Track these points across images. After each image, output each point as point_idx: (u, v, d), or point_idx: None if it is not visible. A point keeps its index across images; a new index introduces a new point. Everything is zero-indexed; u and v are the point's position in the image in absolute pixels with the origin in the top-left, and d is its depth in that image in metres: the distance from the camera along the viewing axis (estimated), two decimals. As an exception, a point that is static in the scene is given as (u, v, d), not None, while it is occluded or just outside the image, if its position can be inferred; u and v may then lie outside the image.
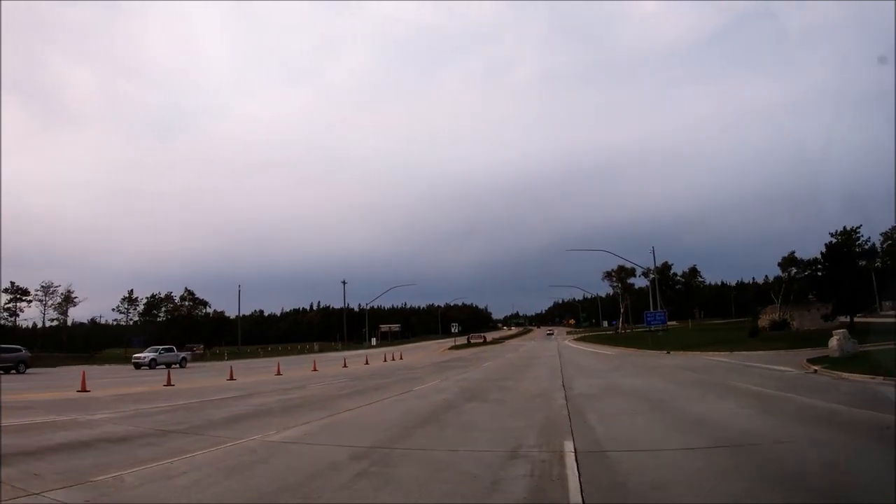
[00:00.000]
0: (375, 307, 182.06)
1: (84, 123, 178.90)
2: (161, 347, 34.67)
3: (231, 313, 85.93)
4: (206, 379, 21.50)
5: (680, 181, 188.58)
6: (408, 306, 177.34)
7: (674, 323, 70.43)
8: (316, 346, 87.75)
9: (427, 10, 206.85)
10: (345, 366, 28.11)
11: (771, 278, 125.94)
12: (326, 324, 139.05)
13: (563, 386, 13.54)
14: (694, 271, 65.17)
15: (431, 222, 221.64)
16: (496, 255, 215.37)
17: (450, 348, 51.40)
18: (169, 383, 17.16)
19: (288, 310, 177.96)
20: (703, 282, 63.11)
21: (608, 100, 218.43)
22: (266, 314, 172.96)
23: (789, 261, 42.52)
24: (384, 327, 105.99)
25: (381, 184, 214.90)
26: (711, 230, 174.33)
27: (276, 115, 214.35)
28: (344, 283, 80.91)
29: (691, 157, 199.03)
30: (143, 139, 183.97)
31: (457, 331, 50.49)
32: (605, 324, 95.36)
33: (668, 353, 28.74)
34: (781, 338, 31.35)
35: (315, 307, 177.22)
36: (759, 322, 48.11)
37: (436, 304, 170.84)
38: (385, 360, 33.48)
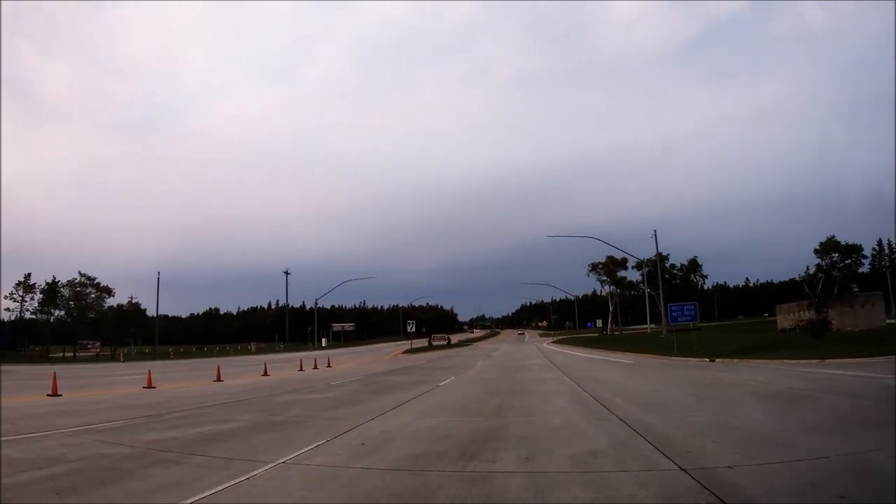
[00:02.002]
0: (337, 306, 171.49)
1: (59, 118, 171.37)
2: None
3: (195, 311, 72.77)
4: None
5: (656, 185, 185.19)
6: (368, 305, 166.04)
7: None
8: (253, 347, 76.62)
9: (405, 11, 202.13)
10: (218, 378, 17.60)
11: (759, 281, 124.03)
12: (281, 323, 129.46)
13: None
14: (694, 264, 56.25)
15: (403, 223, 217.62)
16: (464, 256, 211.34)
17: (405, 352, 41.24)
18: None
19: (245, 308, 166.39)
20: (706, 277, 55.42)
21: (584, 103, 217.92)
22: (222, 312, 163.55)
23: (829, 246, 34.35)
24: (337, 326, 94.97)
25: (355, 183, 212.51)
26: (688, 235, 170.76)
27: (252, 113, 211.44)
28: (287, 273, 69.36)
29: (664, 161, 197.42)
30: (118, 135, 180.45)
31: (413, 330, 40.25)
32: (573, 325, 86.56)
33: (713, 360, 19.79)
34: (850, 339, 22.94)
35: (273, 305, 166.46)
36: (779, 322, 39.93)
37: (400, 305, 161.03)
38: (301, 369, 23.30)
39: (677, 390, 11.27)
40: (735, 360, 19.64)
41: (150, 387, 14.74)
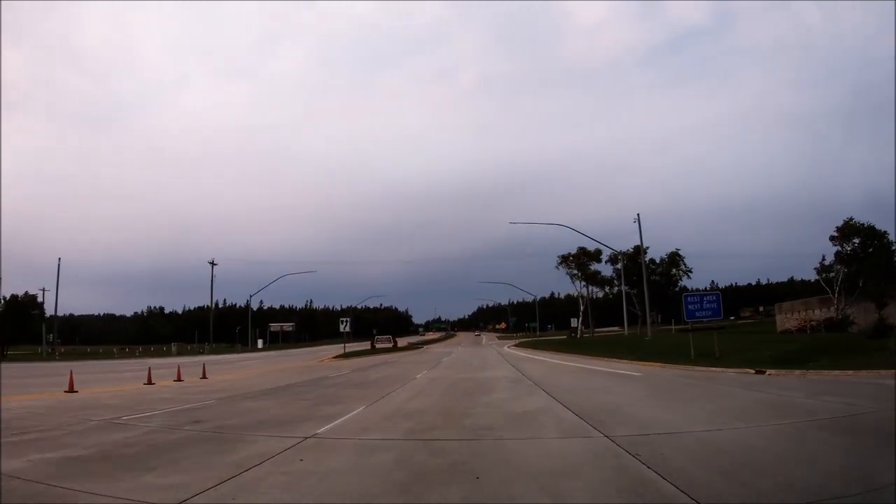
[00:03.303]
0: (286, 306, 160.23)
1: (13, 109, 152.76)
2: None
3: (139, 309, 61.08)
4: None
5: (617, 191, 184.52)
6: (315, 305, 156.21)
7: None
8: (174, 348, 66.48)
9: (372, 10, 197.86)
10: None
11: (716, 283, 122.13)
12: (224, 321, 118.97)
13: None
14: (675, 259, 49.52)
15: (362, 223, 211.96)
16: (423, 259, 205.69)
17: (336, 357, 33.11)
18: None
19: (192, 307, 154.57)
20: (690, 272, 49.15)
21: (548, 109, 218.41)
22: (167, 311, 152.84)
23: (850, 230, 28.76)
24: (275, 326, 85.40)
25: (314, 183, 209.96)
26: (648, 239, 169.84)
27: (214, 109, 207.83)
28: (212, 264, 59.48)
29: (626, 166, 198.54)
30: (75, 128, 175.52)
31: (347, 329, 32.35)
32: (536, 326, 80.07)
33: (762, 372, 13.28)
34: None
35: (222, 304, 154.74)
36: (780, 323, 34.45)
37: (350, 305, 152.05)
38: (150, 382, 15.11)
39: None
40: (797, 372, 13.08)
41: None
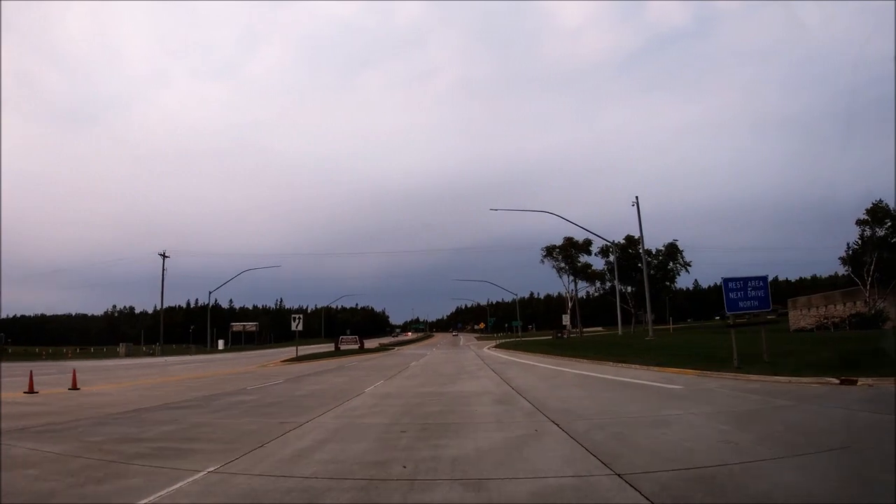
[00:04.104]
0: (259, 306, 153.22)
1: None
2: None
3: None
4: None
5: (601, 193, 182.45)
6: (286, 306, 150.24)
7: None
8: (122, 349, 60.55)
9: (352, 10, 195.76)
10: None
11: (698, 284, 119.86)
12: (193, 322, 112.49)
13: None
14: (673, 249, 43.39)
15: (342, 223, 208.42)
16: (399, 260, 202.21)
17: (285, 361, 28.08)
18: None
19: (167, 306, 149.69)
20: (689, 266, 44.09)
21: (528, 111, 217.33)
22: (137, 311, 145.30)
23: (881, 213, 24.97)
24: (237, 326, 79.54)
25: (293, 183, 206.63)
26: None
27: (193, 108, 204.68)
28: (163, 256, 53.41)
29: (603, 169, 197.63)
30: (50, 125, 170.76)
31: (300, 328, 27.41)
32: (518, 325, 75.39)
33: (850, 381, 9.02)
34: None
35: (193, 304, 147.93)
36: (793, 320, 30.70)
37: (328, 306, 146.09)
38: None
39: None
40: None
41: None
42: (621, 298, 38.19)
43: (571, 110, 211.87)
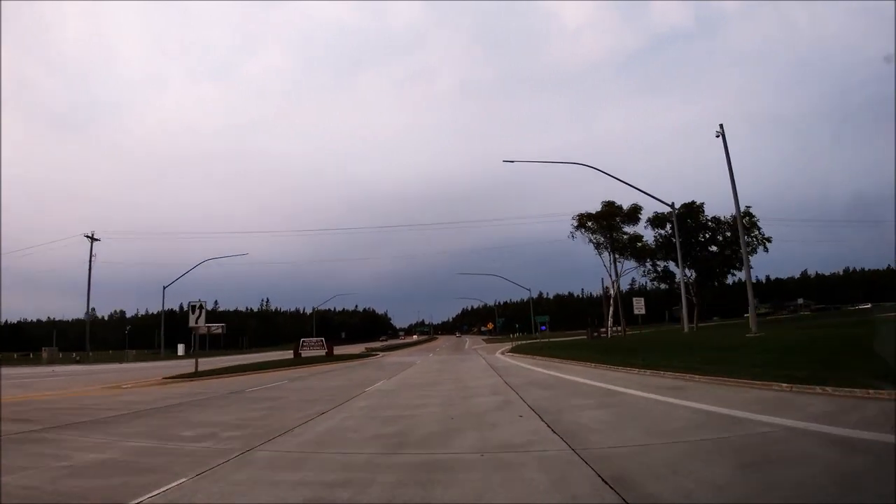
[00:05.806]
0: (247, 309, 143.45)
1: None
2: None
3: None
4: None
5: (598, 194, 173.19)
6: (272, 307, 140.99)
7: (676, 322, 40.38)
8: (45, 354, 51.44)
9: (348, 12, 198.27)
10: None
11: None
12: (173, 326, 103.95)
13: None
14: (749, 219, 31.04)
15: (343, 226, 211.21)
16: (404, 262, 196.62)
17: (168, 378, 17.44)
18: None
19: (154, 311, 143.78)
20: (769, 241, 32.39)
21: (527, 112, 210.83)
22: (111, 314, 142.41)
23: None
24: (202, 329, 68.39)
25: (294, 186, 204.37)
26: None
27: (189, 111, 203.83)
28: (91, 238, 43.12)
29: (610, 168, 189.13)
30: (44, 128, 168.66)
31: (222, 332, 17.19)
32: (545, 325, 63.36)
33: None
34: None
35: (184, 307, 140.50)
36: None
37: (318, 307, 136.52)
38: None
39: None
40: None
41: None
42: (677, 287, 27.37)
43: (569, 111, 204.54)
